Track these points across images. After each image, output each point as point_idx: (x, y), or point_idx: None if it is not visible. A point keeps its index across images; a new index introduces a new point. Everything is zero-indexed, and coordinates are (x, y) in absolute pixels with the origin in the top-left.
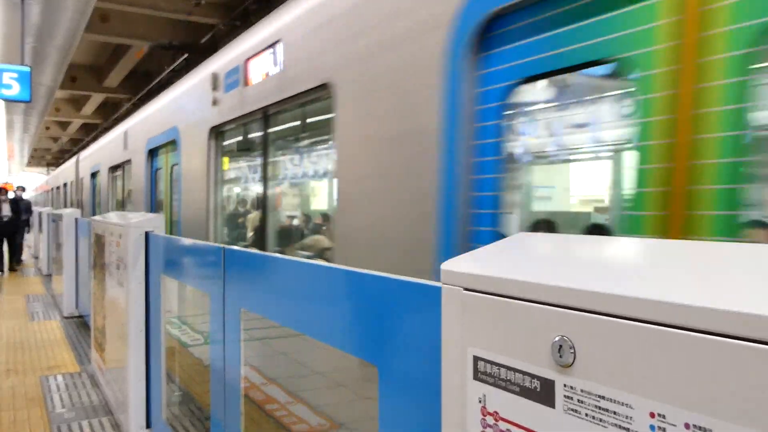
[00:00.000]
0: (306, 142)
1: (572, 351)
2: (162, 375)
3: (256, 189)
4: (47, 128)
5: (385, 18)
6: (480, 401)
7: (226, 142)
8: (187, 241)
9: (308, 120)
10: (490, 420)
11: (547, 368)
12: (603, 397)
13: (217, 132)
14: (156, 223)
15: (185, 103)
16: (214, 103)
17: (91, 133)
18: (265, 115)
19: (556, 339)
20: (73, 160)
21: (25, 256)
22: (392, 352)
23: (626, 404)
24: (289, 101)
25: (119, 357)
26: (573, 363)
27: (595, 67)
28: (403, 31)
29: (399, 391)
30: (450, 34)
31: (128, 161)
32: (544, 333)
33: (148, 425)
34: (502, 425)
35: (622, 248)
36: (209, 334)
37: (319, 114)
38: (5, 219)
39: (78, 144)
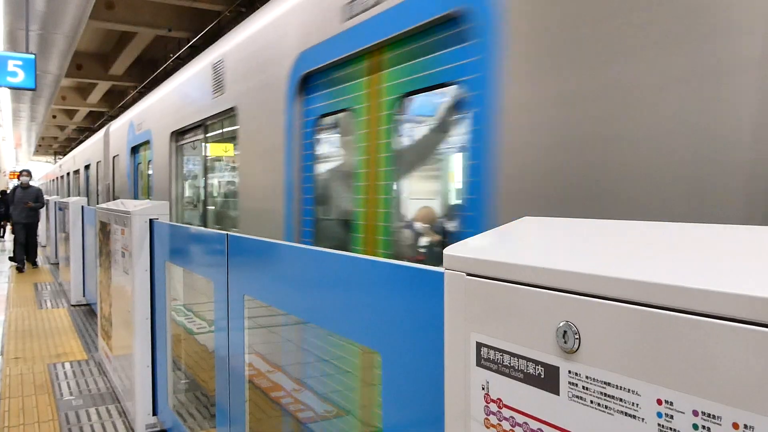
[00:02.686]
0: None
1: (577, 337)
2: (168, 362)
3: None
4: (54, 117)
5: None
6: (483, 388)
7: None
8: (191, 228)
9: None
10: (493, 407)
11: (552, 354)
12: (609, 384)
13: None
14: (160, 210)
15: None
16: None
17: (97, 121)
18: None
19: (561, 324)
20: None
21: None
22: (395, 339)
23: (633, 391)
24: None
25: (125, 345)
26: (578, 349)
27: None
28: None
29: (402, 377)
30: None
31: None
32: (548, 318)
33: (155, 412)
34: (506, 412)
35: (628, 232)
36: (214, 321)
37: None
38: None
39: (84, 132)
